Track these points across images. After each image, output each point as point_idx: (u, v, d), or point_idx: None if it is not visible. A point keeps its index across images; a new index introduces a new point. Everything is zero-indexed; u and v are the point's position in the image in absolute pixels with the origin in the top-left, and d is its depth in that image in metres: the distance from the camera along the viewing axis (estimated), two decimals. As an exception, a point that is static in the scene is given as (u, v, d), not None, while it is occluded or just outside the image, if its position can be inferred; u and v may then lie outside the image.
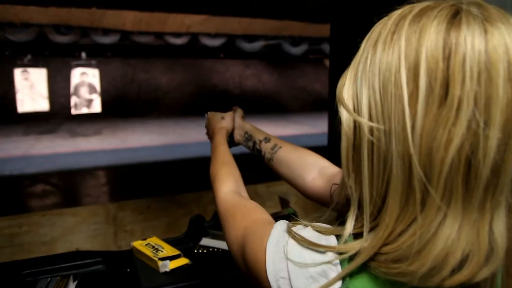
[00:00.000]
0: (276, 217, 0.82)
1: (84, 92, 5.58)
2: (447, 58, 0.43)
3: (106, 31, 5.70)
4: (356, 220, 0.53)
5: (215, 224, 1.56)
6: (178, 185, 3.59)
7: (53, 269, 1.35)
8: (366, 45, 0.51)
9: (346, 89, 0.55)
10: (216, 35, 7.12)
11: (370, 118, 0.48)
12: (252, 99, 9.80)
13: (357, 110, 0.51)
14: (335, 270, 0.51)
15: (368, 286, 0.50)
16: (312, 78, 10.74)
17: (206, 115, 1.19)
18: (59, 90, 6.56)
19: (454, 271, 0.44)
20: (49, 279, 1.29)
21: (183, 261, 1.35)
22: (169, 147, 6.13)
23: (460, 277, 0.43)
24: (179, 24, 6.07)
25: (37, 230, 1.53)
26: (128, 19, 5.15)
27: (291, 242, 0.54)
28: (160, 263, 1.32)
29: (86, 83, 5.60)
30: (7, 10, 4.27)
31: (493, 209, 0.46)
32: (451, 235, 0.45)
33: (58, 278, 1.28)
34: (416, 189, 0.46)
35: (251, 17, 6.01)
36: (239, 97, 9.45)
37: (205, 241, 1.48)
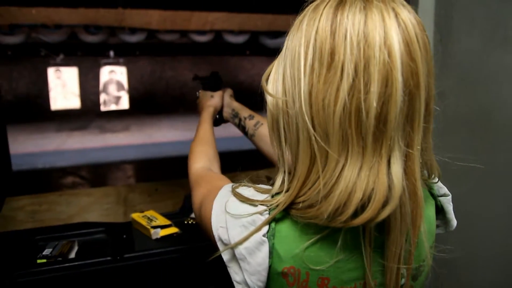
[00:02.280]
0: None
1: (112, 89, 5.79)
2: (333, 33, 0.55)
3: (133, 30, 5.89)
4: (283, 179, 0.65)
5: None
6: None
7: (61, 235, 1.51)
8: (286, 37, 0.66)
9: (272, 74, 0.68)
10: (239, 32, 7.21)
11: (285, 95, 0.60)
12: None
13: (276, 90, 0.63)
14: (263, 219, 0.63)
15: (290, 229, 0.61)
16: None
17: (197, 93, 1.32)
18: (89, 88, 6.84)
19: (358, 212, 0.53)
20: (57, 243, 1.45)
21: (173, 230, 1.48)
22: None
23: (365, 215, 0.54)
24: (203, 21, 6.20)
25: (55, 208, 1.69)
26: (154, 18, 5.32)
27: (232, 199, 0.68)
28: (152, 230, 1.46)
29: (114, 80, 5.82)
30: (40, 13, 4.53)
31: (388, 153, 0.56)
32: (351, 178, 0.56)
33: (64, 242, 1.44)
34: (315, 147, 0.56)
35: (272, 14, 6.08)
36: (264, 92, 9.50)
37: (195, 214, 1.61)
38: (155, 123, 7.33)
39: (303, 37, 0.56)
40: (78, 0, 4.28)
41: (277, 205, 0.60)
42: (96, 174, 4.88)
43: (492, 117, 1.34)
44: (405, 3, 0.56)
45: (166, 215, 1.56)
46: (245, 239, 0.61)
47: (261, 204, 0.63)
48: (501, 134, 1.34)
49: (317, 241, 0.60)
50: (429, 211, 0.69)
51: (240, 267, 0.63)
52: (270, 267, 0.62)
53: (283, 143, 0.61)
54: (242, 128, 1.21)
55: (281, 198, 0.62)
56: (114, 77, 5.80)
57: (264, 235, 0.62)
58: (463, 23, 1.38)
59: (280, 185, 0.63)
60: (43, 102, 6.52)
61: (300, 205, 0.59)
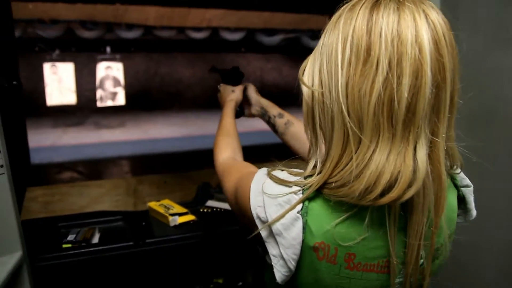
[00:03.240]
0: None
1: (108, 85, 5.80)
2: (369, 31, 0.62)
3: (130, 26, 5.88)
4: (315, 163, 0.72)
5: (219, 190, 1.75)
6: (193, 167, 3.77)
7: (82, 223, 1.56)
8: (322, 34, 0.73)
9: (307, 69, 0.74)
10: (236, 29, 7.24)
11: (321, 86, 0.67)
12: (272, 92, 9.87)
13: (312, 82, 0.70)
14: (297, 198, 0.70)
15: (322, 207, 0.68)
16: (332, 72, 10.69)
17: (219, 87, 1.37)
18: (85, 84, 6.83)
19: (385, 192, 0.60)
20: (79, 230, 1.49)
21: (190, 217, 1.53)
22: (189, 138, 6.28)
23: (391, 195, 0.60)
24: (200, 18, 6.22)
25: (67, 199, 1.74)
26: (151, 14, 5.33)
27: (268, 181, 0.75)
28: (170, 218, 1.51)
29: (111, 76, 5.82)
30: (37, 7, 4.51)
31: (414, 139, 0.63)
32: (381, 161, 0.63)
33: (86, 228, 1.48)
34: (350, 133, 0.63)
35: (270, 11, 6.11)
36: (260, 90, 9.54)
37: (210, 203, 1.66)
38: (151, 119, 7.33)
39: (340, 34, 0.63)
40: (76, -5, 4.24)
41: (310, 186, 0.67)
42: (92, 170, 4.90)
43: (495, 115, 1.41)
44: (433, 5, 0.63)
45: (181, 204, 1.61)
46: (281, 216, 0.67)
47: (295, 185, 0.69)
48: (504, 132, 1.41)
49: (346, 219, 0.66)
50: (451, 200, 0.75)
51: (276, 241, 0.68)
52: (303, 241, 0.68)
53: (318, 130, 0.67)
54: (272, 126, 1.27)
55: (314, 179, 0.68)
56: (110, 73, 5.81)
57: (298, 212, 0.67)
58: (467, 24, 1.43)
59: (312, 168, 0.70)
60: (39, 97, 6.49)
61: (333, 184, 0.65)
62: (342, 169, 0.64)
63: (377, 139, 0.62)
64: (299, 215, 0.68)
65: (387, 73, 0.59)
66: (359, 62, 0.62)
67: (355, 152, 0.63)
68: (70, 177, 4.59)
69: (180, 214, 1.54)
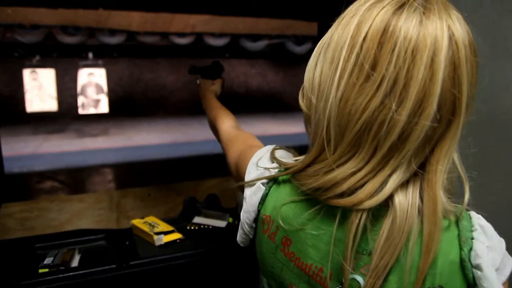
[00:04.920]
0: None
1: (91, 92, 5.69)
2: (381, 44, 0.54)
3: (113, 32, 5.82)
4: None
5: (207, 205, 1.68)
6: (178, 176, 3.70)
7: (60, 243, 1.47)
8: (333, 26, 0.64)
9: (313, 58, 0.68)
10: (220, 35, 7.23)
11: (319, 85, 0.61)
12: (257, 98, 9.88)
13: (313, 76, 0.64)
14: (271, 173, 0.69)
15: (286, 187, 0.70)
16: (317, 77, 10.79)
17: (198, 81, 1.36)
18: (66, 90, 6.70)
19: (342, 195, 0.56)
20: (57, 252, 1.40)
21: (176, 236, 1.46)
22: (174, 145, 6.23)
23: (345, 201, 0.56)
24: (184, 24, 6.18)
25: (46, 215, 1.64)
26: (134, 19, 5.26)
27: (266, 155, 0.75)
28: (155, 237, 1.43)
29: (93, 83, 5.71)
30: (18, 12, 4.40)
31: (394, 166, 0.57)
32: (342, 174, 0.58)
33: (65, 250, 1.39)
34: (331, 139, 0.59)
35: (254, 17, 6.10)
36: (245, 96, 9.53)
37: (197, 219, 1.59)
38: (135, 126, 7.25)
39: (349, 38, 0.54)
40: (58, 0, 4.16)
41: (288, 168, 0.67)
42: (76, 177, 4.78)
43: (494, 124, 1.38)
44: (461, 18, 0.55)
45: (167, 221, 1.53)
46: (251, 182, 0.72)
47: (277, 163, 0.70)
48: (503, 139, 1.39)
49: (294, 202, 0.66)
50: (449, 247, 0.57)
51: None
52: (259, 211, 0.71)
53: (311, 125, 0.66)
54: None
55: (296, 163, 0.68)
56: (93, 80, 5.70)
57: (263, 184, 0.71)
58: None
59: (302, 157, 0.70)
60: (18, 104, 6.35)
61: (303, 173, 0.63)
62: (314, 165, 0.62)
63: (351, 155, 0.58)
64: (262, 186, 0.71)
65: (387, 95, 0.53)
66: (361, 76, 0.55)
67: (329, 156, 0.59)
68: (50, 187, 4.47)
69: (166, 233, 1.46)
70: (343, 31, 0.58)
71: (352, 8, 0.60)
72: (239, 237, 0.77)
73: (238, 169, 0.81)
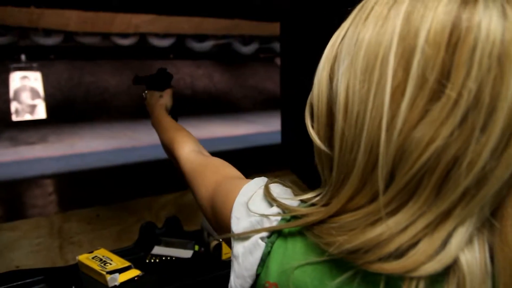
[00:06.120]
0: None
1: (25, 97, 5.29)
2: (453, 46, 0.35)
3: (48, 32, 5.42)
4: (320, 193, 0.52)
5: (167, 231, 1.50)
6: (129, 192, 3.47)
7: (-13, 292, 1.24)
8: (354, 19, 0.45)
9: (320, 69, 0.49)
10: (165, 35, 6.99)
11: (347, 101, 0.43)
12: (204, 99, 9.72)
13: (335, 92, 0.46)
14: (271, 223, 0.52)
15: (295, 240, 0.50)
16: (263, 77, 10.79)
17: (144, 94, 1.20)
18: (-3, 95, 6.21)
19: (388, 258, 0.40)
20: (-16, 304, 1.18)
21: (133, 272, 1.27)
22: (119, 151, 5.96)
23: (394, 266, 0.40)
24: (127, 24, 5.90)
25: (-30, 249, 1.40)
26: (72, 19, 4.93)
27: (259, 192, 0.56)
28: (108, 277, 1.23)
29: (28, 87, 5.31)
30: None
31: (460, 218, 0.41)
32: (392, 230, 0.41)
33: (-6, 301, 1.17)
34: (374, 182, 0.42)
35: (200, 16, 5.94)
36: (191, 98, 9.31)
37: (157, 250, 1.40)
38: (76, 132, 6.84)
39: (395, 39, 0.38)
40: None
41: (304, 215, 0.48)
42: (8, 192, 4.38)
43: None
44: None
45: (120, 253, 1.33)
46: (243, 233, 0.53)
47: (278, 206, 0.51)
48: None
49: (311, 264, 0.47)
50: None
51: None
52: (258, 276, 0.52)
53: (335, 159, 0.46)
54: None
55: (304, 210, 0.49)
56: (27, 84, 5.30)
57: (262, 239, 0.52)
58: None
59: (315, 196, 0.51)
60: None
61: (326, 225, 0.46)
62: (344, 215, 0.44)
63: (402, 202, 0.41)
64: (261, 242, 0.52)
65: (464, 120, 0.36)
66: (423, 94, 0.37)
67: (369, 202, 0.42)
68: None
69: (121, 270, 1.26)
70: (379, 27, 0.40)
71: None
72: None
73: (216, 211, 0.62)
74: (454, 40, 0.36)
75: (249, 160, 4.80)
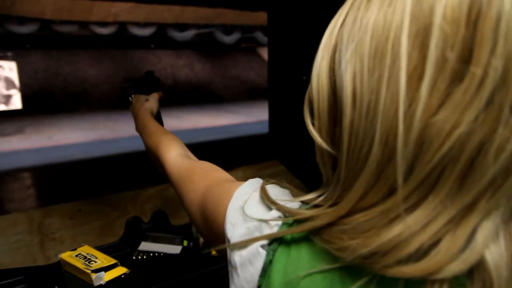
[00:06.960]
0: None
1: (0, 87, 5.14)
2: (474, 21, 0.31)
3: (22, 20, 5.25)
4: (323, 193, 0.47)
5: (154, 226, 1.45)
6: (111, 184, 3.40)
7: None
8: (353, 3, 0.41)
9: (319, 61, 0.45)
10: (145, 24, 6.86)
11: (354, 92, 0.39)
12: (185, 89, 9.61)
13: (339, 84, 0.41)
14: (271, 229, 0.47)
15: (300, 246, 0.45)
16: (246, 67, 10.72)
17: (130, 99, 1.16)
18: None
19: (408, 260, 0.36)
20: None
21: (120, 270, 1.21)
22: (100, 142, 5.86)
23: (414, 269, 0.36)
24: (105, 12, 5.76)
25: None
26: (47, 6, 4.78)
27: (255, 195, 0.51)
28: (93, 275, 1.18)
29: (2, 77, 5.16)
30: None
31: (486, 211, 0.37)
32: (411, 228, 0.37)
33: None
34: (389, 176, 0.38)
35: (181, 5, 5.84)
36: (172, 88, 9.18)
37: (144, 246, 1.35)
38: (54, 123, 6.67)
39: (407, 16, 0.33)
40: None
41: (308, 218, 0.44)
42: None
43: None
44: None
45: (105, 249, 1.27)
46: (243, 244, 0.48)
47: (277, 210, 0.47)
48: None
49: (320, 273, 0.43)
50: None
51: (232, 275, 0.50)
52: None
53: (343, 155, 0.42)
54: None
55: (308, 212, 0.44)
56: (1, 74, 5.14)
57: (263, 246, 0.47)
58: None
59: (318, 196, 0.47)
60: None
61: (336, 227, 0.42)
62: (355, 215, 0.41)
63: (422, 197, 0.38)
64: (261, 250, 0.47)
65: (491, 102, 0.33)
66: (443, 76, 0.33)
67: (383, 198, 0.39)
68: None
69: (107, 268, 1.20)
70: (387, 7, 0.36)
71: None
72: None
73: (207, 218, 0.57)
74: (474, 15, 0.33)
75: (234, 151, 4.76)
